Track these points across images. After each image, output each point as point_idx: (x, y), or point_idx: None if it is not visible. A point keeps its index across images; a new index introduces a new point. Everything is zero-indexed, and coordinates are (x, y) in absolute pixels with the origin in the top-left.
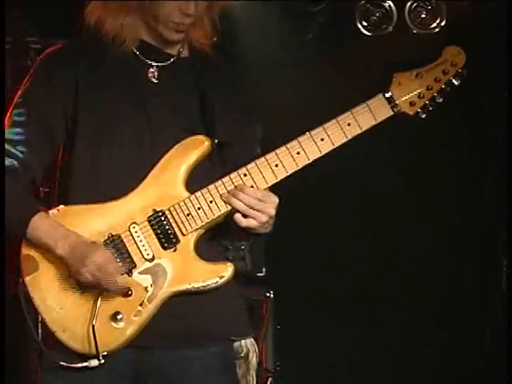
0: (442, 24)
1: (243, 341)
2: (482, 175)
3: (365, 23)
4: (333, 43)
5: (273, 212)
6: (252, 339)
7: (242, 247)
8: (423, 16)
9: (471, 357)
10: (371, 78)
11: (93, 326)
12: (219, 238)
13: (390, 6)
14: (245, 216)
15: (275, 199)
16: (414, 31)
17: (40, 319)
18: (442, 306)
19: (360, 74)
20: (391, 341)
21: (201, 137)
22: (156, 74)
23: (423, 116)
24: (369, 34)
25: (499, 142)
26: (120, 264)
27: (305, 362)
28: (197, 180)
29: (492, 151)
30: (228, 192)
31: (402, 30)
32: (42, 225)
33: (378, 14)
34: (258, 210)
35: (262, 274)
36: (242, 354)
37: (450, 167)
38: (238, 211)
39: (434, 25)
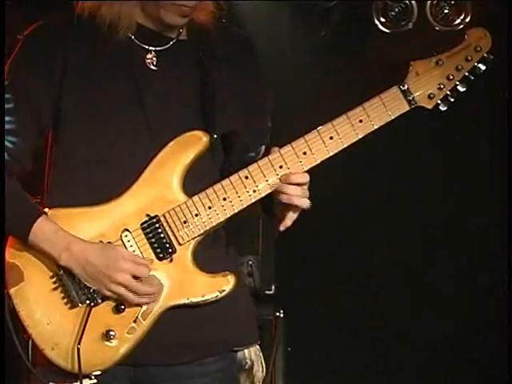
0: (467, 20)
1: (247, 351)
2: (485, 176)
3: (383, 19)
4: (349, 41)
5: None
6: (257, 347)
7: (250, 263)
8: (446, 12)
9: (471, 357)
10: (389, 78)
11: (78, 349)
12: (222, 244)
13: (409, 0)
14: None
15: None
16: (436, 28)
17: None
18: (443, 307)
19: (377, 73)
20: (406, 360)
21: (198, 132)
22: (154, 59)
23: (444, 108)
24: (387, 30)
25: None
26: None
27: None
28: (197, 176)
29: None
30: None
31: (423, 27)
32: (42, 231)
33: (397, 10)
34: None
35: (271, 292)
36: (247, 367)
37: (450, 169)
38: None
39: (458, 21)
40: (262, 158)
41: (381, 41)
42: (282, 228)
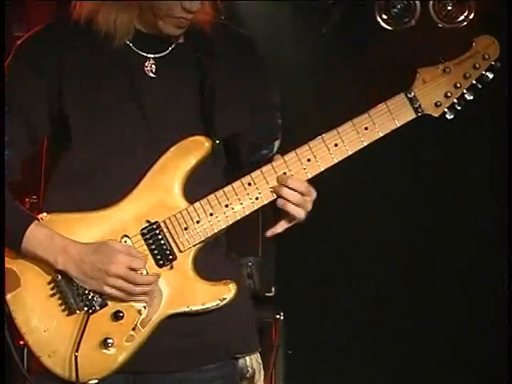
0: (471, 17)
1: (248, 359)
2: (485, 176)
3: (385, 16)
4: (350, 39)
5: (310, 208)
6: (258, 355)
7: (250, 264)
8: (449, 8)
9: (471, 357)
10: (391, 77)
11: (75, 357)
12: (221, 248)
13: None
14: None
15: (314, 194)
16: (440, 25)
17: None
18: (443, 307)
19: (379, 71)
20: (406, 360)
21: (200, 137)
22: (154, 67)
23: (450, 117)
24: (389, 28)
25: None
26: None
27: None
28: (198, 181)
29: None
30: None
31: (426, 24)
32: (36, 236)
33: (399, 7)
34: (299, 205)
35: (271, 294)
36: (248, 375)
37: (449, 170)
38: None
39: (461, 18)
40: (272, 156)
41: (382, 39)
42: (269, 234)
